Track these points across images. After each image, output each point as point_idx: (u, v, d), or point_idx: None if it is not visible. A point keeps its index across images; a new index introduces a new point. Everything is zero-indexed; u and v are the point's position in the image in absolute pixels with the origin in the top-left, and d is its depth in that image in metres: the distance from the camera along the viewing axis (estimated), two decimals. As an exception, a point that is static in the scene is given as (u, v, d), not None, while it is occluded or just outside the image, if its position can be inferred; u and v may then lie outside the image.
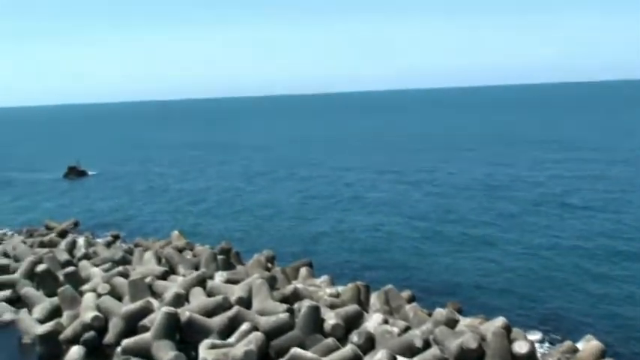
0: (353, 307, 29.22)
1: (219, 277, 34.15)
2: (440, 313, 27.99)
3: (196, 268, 35.79)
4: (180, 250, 40.39)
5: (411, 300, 32.44)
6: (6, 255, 42.31)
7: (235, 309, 28.65)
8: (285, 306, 29.05)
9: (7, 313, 33.54)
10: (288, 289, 31.70)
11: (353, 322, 28.20)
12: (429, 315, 29.39)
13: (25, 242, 45.92)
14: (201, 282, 32.76)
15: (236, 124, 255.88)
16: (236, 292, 30.95)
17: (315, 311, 27.70)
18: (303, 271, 36.96)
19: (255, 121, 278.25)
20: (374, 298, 31.64)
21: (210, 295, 31.45)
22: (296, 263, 38.56)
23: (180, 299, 30.54)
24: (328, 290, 32.98)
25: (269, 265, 38.29)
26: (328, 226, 54.71)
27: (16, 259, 40.69)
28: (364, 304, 31.13)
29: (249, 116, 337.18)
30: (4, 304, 34.70)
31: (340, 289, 33.35)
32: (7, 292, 36.10)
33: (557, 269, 40.21)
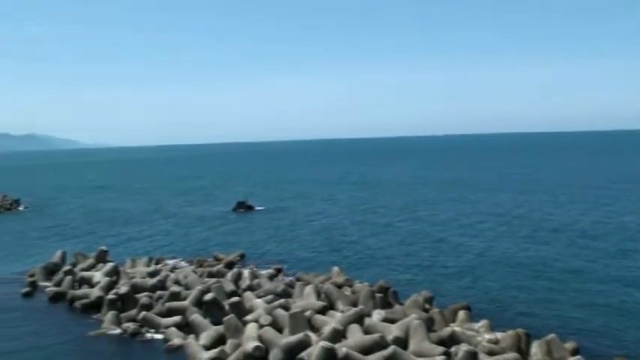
0: (512, 356, 28.23)
1: (377, 315, 34.28)
2: (607, 367, 26.36)
3: (355, 305, 36.15)
4: (340, 286, 41.05)
5: (575, 352, 30.74)
6: (178, 283, 44.98)
7: (392, 348, 28.61)
8: (441, 349, 28.62)
9: (177, 338, 35.48)
10: (446, 331, 31.21)
11: (512, 370, 27.22)
12: (596, 369, 27.74)
13: (195, 272, 48.67)
14: (359, 319, 33.05)
15: (388, 163, 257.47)
16: (393, 331, 30.92)
17: (472, 356, 27.05)
18: (461, 314, 36.21)
19: (407, 159, 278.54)
20: (535, 348, 30.34)
21: (367, 332, 31.64)
22: (454, 306, 37.86)
23: (338, 335, 30.96)
24: (487, 336, 32.10)
25: (427, 306, 37.90)
26: (490, 270, 53.18)
27: (187, 288, 43.13)
28: (525, 353, 29.94)
29: (400, 155, 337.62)
30: (174, 329, 36.84)
31: (499, 335, 32.33)
32: (177, 318, 38.32)
33: None
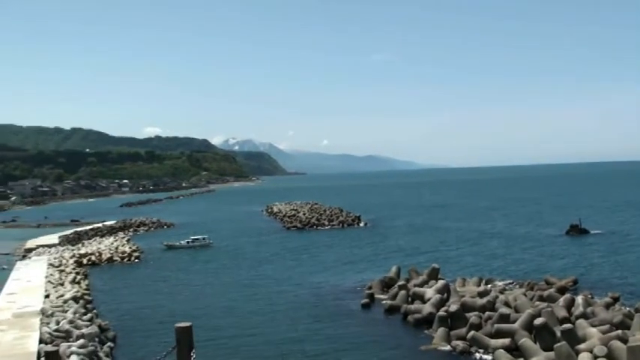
0: None
1: None
2: None
3: None
4: (687, 322, 37.19)
5: None
6: (507, 305, 44.76)
7: None
8: None
9: (506, 361, 35.38)
10: None
11: None
12: None
13: (525, 295, 47.94)
14: None
15: None
16: None
17: None
18: None
19: None
20: None
21: None
22: None
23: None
24: None
25: None
26: None
27: (517, 310, 42.70)
28: None
29: None
30: (503, 351, 36.73)
31: None
32: (506, 340, 38.17)
33: None
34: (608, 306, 45.06)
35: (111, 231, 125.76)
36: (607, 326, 37.63)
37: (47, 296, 52.95)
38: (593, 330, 36.91)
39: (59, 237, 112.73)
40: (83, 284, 63.21)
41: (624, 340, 33.84)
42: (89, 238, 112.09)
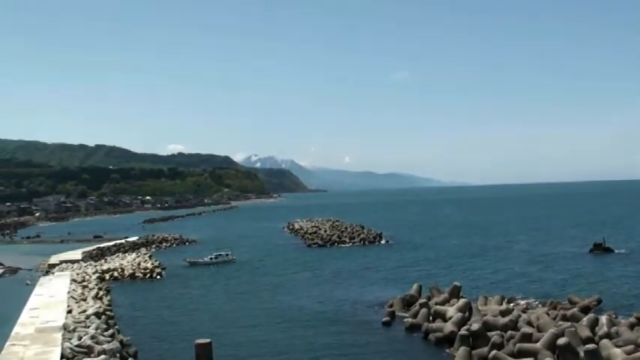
0: None
1: None
2: None
3: None
4: None
5: None
6: (530, 324, 44.30)
7: None
8: None
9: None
10: None
11: None
12: None
13: (548, 314, 47.41)
14: None
15: None
16: None
17: None
18: None
19: None
20: None
21: None
22: None
23: None
24: None
25: None
26: None
27: (539, 330, 42.23)
28: None
29: None
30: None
31: None
32: (529, 360, 37.78)
33: None
34: (632, 326, 44.34)
35: (133, 247, 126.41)
36: (631, 347, 37.10)
37: (70, 311, 53.35)
38: (618, 350, 36.40)
39: (82, 253, 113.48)
40: (105, 300, 63.59)
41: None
42: (112, 254, 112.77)
